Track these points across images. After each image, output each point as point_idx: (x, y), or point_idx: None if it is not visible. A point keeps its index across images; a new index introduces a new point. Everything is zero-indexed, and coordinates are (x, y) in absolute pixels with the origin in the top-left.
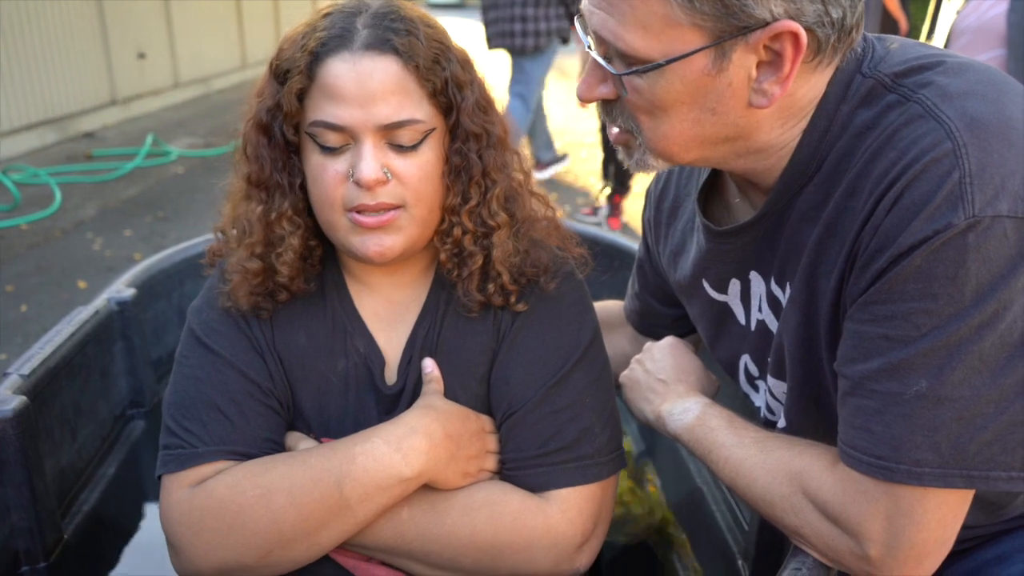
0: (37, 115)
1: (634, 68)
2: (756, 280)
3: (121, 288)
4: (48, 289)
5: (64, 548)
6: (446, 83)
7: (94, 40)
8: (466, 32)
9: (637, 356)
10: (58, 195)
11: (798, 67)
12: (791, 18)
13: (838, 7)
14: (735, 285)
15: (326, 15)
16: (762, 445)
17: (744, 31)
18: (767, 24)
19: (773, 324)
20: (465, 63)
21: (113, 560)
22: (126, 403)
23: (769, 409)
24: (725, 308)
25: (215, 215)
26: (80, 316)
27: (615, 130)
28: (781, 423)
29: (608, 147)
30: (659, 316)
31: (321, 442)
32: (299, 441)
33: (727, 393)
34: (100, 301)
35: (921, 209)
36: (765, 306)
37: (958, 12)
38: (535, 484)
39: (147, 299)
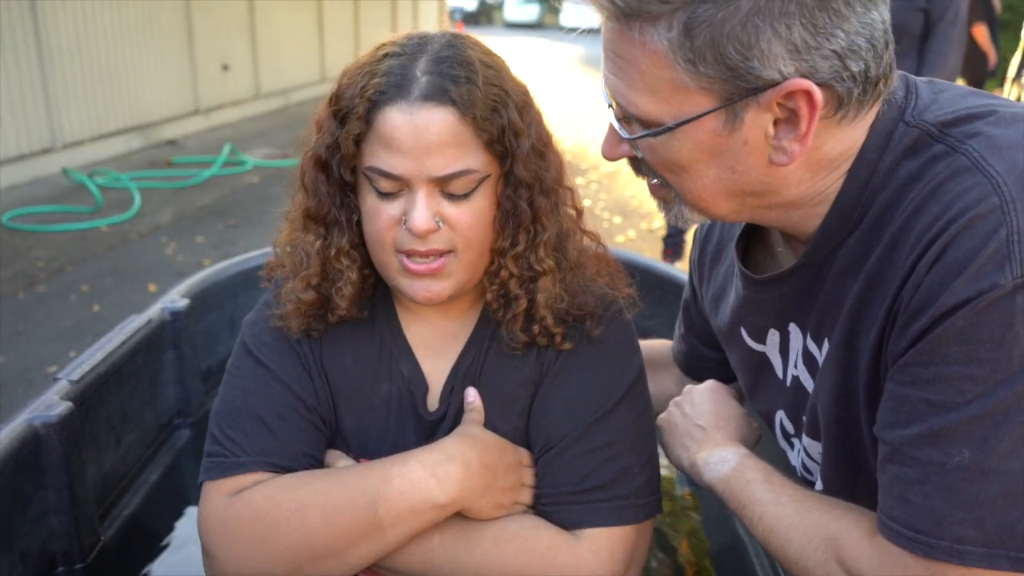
0: (124, 122)
1: (644, 132)
2: (795, 333)
3: (176, 298)
4: (120, 290)
5: (101, 551)
6: (503, 131)
7: (181, 51)
8: (541, 53)
9: (676, 399)
10: (137, 199)
11: (816, 124)
12: (803, 76)
13: (858, 60)
14: (774, 336)
15: (386, 55)
16: (799, 505)
17: (754, 91)
18: (777, 83)
19: (808, 382)
20: (524, 107)
21: (148, 565)
22: (173, 412)
23: (806, 468)
24: (763, 359)
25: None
26: (133, 324)
27: (651, 184)
28: (819, 485)
29: None
30: (704, 359)
31: (359, 462)
32: (338, 459)
33: (768, 443)
34: (154, 310)
35: (965, 267)
36: (800, 363)
37: None
38: (568, 521)
39: (200, 310)
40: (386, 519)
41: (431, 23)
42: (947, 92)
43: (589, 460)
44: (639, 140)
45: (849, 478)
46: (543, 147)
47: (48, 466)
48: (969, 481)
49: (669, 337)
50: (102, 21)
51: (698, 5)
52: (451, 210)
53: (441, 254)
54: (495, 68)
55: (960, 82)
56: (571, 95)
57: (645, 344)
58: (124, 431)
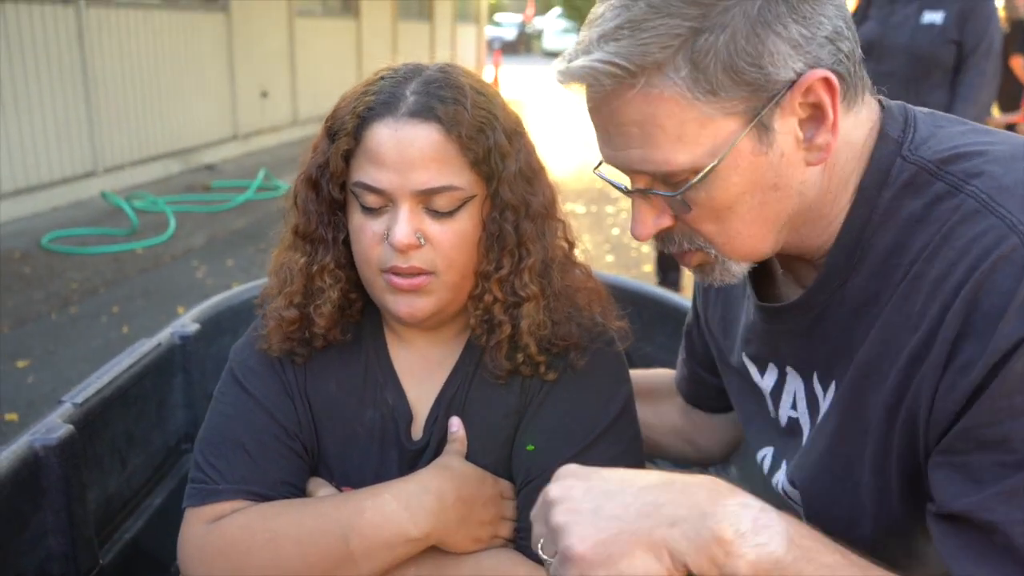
0: (164, 146)
1: (689, 183)
2: (792, 376)
3: (187, 322)
4: (150, 312)
5: (99, 574)
6: (489, 152)
7: (221, 78)
8: None
9: (556, 491)
10: (172, 223)
11: (839, 108)
12: (812, 67)
13: (845, 41)
14: (771, 374)
15: (381, 78)
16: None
17: (775, 97)
18: (794, 82)
19: (807, 425)
20: (513, 133)
21: None
22: (181, 435)
23: (789, 505)
24: (759, 393)
25: None
26: (142, 348)
27: (684, 252)
28: None
29: None
30: (706, 386)
31: (342, 491)
32: (319, 487)
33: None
34: (164, 334)
35: (1005, 310)
36: (802, 404)
37: None
38: None
39: (211, 334)
40: (358, 551)
41: (469, 51)
42: (946, 127)
43: None
44: (686, 193)
45: (843, 535)
46: (531, 174)
47: (47, 488)
48: None
49: (667, 363)
50: (145, 49)
51: (696, 38)
52: (434, 228)
53: (421, 273)
54: (485, 95)
55: (995, 112)
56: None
57: (647, 373)
58: (130, 454)
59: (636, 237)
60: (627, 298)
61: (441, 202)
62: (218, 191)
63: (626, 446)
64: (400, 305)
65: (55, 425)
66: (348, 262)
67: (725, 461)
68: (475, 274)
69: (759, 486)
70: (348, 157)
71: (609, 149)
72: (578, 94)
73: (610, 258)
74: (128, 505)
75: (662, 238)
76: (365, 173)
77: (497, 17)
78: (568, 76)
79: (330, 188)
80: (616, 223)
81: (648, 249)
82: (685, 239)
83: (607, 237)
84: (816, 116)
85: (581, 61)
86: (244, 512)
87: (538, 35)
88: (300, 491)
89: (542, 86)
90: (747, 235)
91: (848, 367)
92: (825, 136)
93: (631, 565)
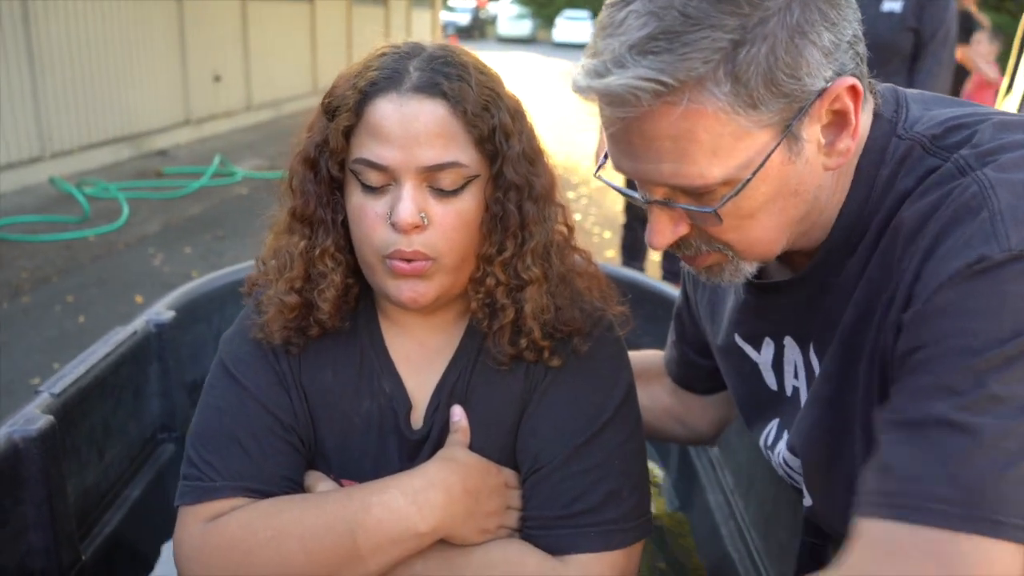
0: (115, 131)
1: (724, 197)
2: (791, 346)
3: (161, 310)
4: (106, 301)
5: (81, 570)
6: (493, 130)
7: (173, 62)
8: (534, 68)
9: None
10: (126, 210)
11: (861, 113)
12: (840, 75)
13: (860, 43)
14: (768, 347)
15: (381, 55)
16: None
17: (806, 106)
18: (824, 91)
19: (804, 393)
20: (516, 113)
21: None
22: (157, 426)
23: (790, 477)
24: (755, 369)
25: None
26: (117, 337)
27: (697, 255)
28: (807, 500)
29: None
30: (696, 368)
31: (340, 483)
32: (318, 481)
33: (743, 439)
34: (139, 322)
35: (950, 251)
36: (802, 374)
37: None
38: (555, 546)
39: (187, 322)
40: (365, 549)
41: (424, 36)
42: (939, 108)
43: (577, 483)
44: (724, 207)
45: (843, 498)
46: (534, 155)
47: (27, 480)
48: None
49: (646, 347)
50: (94, 31)
51: (737, 51)
52: (437, 208)
53: (424, 258)
54: (487, 75)
55: None
56: (563, 110)
57: (636, 354)
58: (107, 445)
59: (653, 247)
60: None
61: (446, 180)
62: (171, 177)
63: (631, 431)
64: (403, 291)
65: (34, 416)
66: (347, 245)
67: (714, 441)
68: (476, 257)
69: (743, 467)
70: (349, 134)
71: (632, 162)
72: (593, 103)
73: None
74: (107, 497)
75: (677, 244)
76: (367, 149)
77: (451, 2)
78: (605, 94)
79: (329, 167)
80: (577, 208)
81: (610, 235)
82: (703, 243)
83: None
84: (838, 122)
85: (618, 78)
86: (245, 510)
87: (492, 20)
88: (299, 486)
89: (499, 72)
90: (765, 239)
91: (834, 336)
92: (847, 141)
93: None
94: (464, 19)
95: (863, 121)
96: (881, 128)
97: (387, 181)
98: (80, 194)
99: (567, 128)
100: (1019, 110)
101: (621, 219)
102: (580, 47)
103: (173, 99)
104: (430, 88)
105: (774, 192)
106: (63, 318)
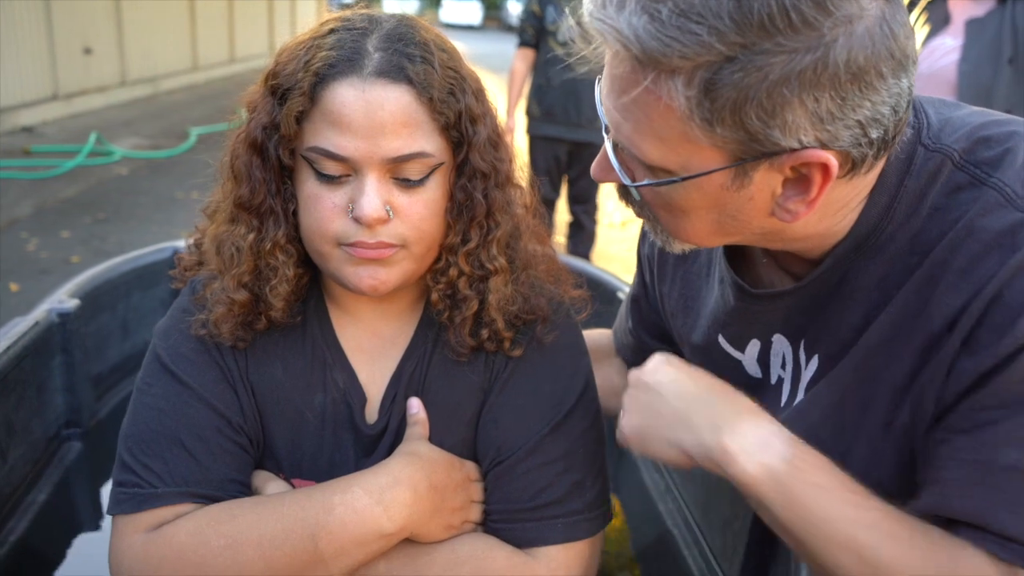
0: None
1: (648, 182)
2: (780, 341)
3: (63, 298)
4: None
5: None
6: (459, 116)
7: (38, 32)
8: (483, 54)
9: (639, 378)
10: None
11: (826, 191)
12: (823, 145)
13: (878, 127)
14: (754, 346)
15: (332, 31)
16: (912, 531)
17: (768, 155)
18: (794, 151)
19: (786, 388)
20: (479, 93)
21: None
22: (62, 422)
23: None
24: (738, 365)
25: (159, 220)
26: (18, 327)
27: (633, 210)
28: None
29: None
30: (652, 353)
31: (292, 483)
32: (267, 482)
33: None
34: (40, 312)
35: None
36: (789, 366)
37: None
38: (522, 539)
39: (90, 310)
40: (328, 552)
41: (309, 10)
42: (952, 111)
43: (543, 474)
44: (642, 187)
45: None
46: (498, 138)
47: None
48: (1015, 482)
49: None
50: None
51: (723, 66)
52: (402, 199)
53: (390, 247)
54: (449, 52)
55: None
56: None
57: (585, 333)
58: (10, 445)
59: (593, 177)
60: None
61: (412, 170)
62: (41, 156)
63: (592, 419)
64: (362, 277)
65: None
66: (298, 234)
67: None
68: (440, 246)
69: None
70: (301, 119)
71: (607, 95)
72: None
73: None
74: (10, 502)
75: (620, 192)
76: (325, 138)
77: None
78: (593, 22)
79: (279, 153)
80: None
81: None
82: (635, 205)
83: None
84: (802, 183)
85: (606, 18)
86: (193, 516)
87: (379, 4)
88: (248, 489)
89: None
90: (695, 235)
91: (835, 344)
92: (798, 205)
93: (655, 451)
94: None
95: (858, 182)
96: (905, 136)
97: (347, 171)
98: None
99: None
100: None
101: None
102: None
103: (39, 72)
104: (395, 72)
105: (708, 204)
106: None
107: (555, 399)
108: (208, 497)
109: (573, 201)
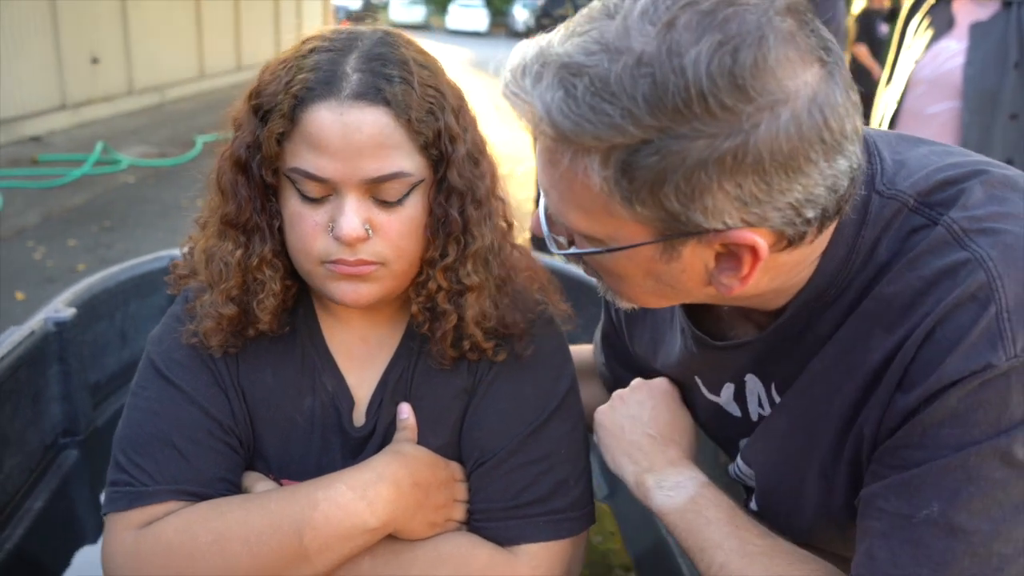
0: None
1: (576, 250)
2: (752, 381)
3: (60, 307)
4: None
5: None
6: (438, 135)
7: (45, 41)
8: (488, 61)
9: (620, 392)
10: None
11: (759, 268)
12: (750, 225)
13: (813, 207)
14: (728, 389)
15: (312, 50)
16: (769, 559)
17: (693, 234)
18: (719, 231)
19: None
20: (460, 109)
21: None
22: (59, 431)
23: (740, 481)
24: (717, 408)
25: (165, 228)
26: (13, 337)
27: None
28: (753, 504)
29: None
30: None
31: (280, 483)
32: (256, 482)
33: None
34: (36, 321)
35: (955, 346)
36: (767, 405)
37: (916, 61)
38: (504, 537)
39: (88, 319)
40: (312, 547)
41: (315, 20)
42: (910, 151)
43: (525, 473)
44: (576, 254)
45: (787, 521)
46: (478, 154)
47: None
48: (936, 537)
49: (587, 341)
50: None
51: (639, 148)
52: (381, 217)
53: (370, 264)
54: (430, 69)
55: None
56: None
57: (574, 349)
58: (6, 455)
59: (532, 232)
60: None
61: (390, 191)
62: (48, 165)
63: (575, 421)
64: (345, 291)
65: None
66: (284, 249)
67: None
68: (420, 260)
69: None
70: (282, 140)
71: (536, 157)
72: None
73: None
74: (7, 511)
75: (561, 253)
76: (304, 160)
77: None
78: (506, 96)
79: (262, 172)
80: None
81: (515, 224)
82: (581, 262)
83: None
84: (732, 261)
85: (522, 90)
86: (182, 513)
87: (384, 6)
88: (237, 488)
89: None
90: (636, 296)
91: (798, 376)
92: (733, 282)
93: (612, 465)
94: (355, 3)
95: (783, 258)
96: (857, 183)
97: (327, 192)
98: None
99: None
100: (898, 102)
101: (526, 207)
102: (473, 35)
103: (47, 82)
104: (372, 95)
105: (643, 273)
106: None
107: (537, 402)
108: (198, 495)
109: None
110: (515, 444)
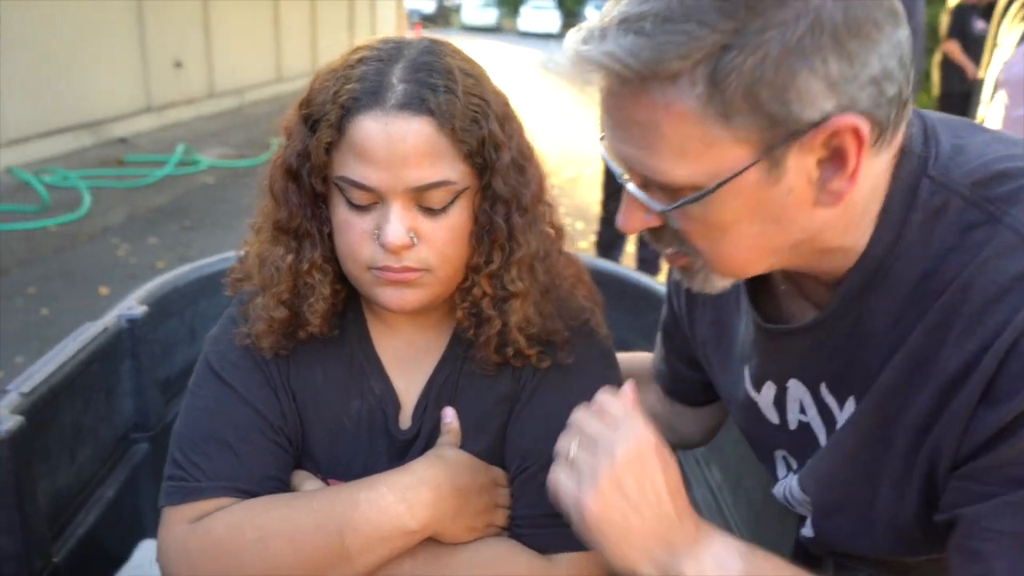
0: (73, 118)
1: (679, 201)
2: (796, 387)
3: (133, 304)
4: (70, 294)
5: (53, 572)
6: (482, 143)
7: (132, 47)
8: (500, 57)
9: (604, 475)
10: (87, 199)
11: (864, 159)
12: (845, 111)
13: (892, 83)
14: (769, 389)
15: (360, 60)
16: None
17: (795, 135)
18: (819, 123)
19: (820, 430)
20: (505, 117)
21: None
22: (130, 425)
23: (788, 502)
24: (755, 407)
25: (240, 228)
26: (88, 333)
27: (668, 251)
28: (808, 531)
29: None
30: (689, 382)
31: (328, 483)
32: (304, 481)
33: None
34: (110, 318)
35: None
36: (812, 410)
37: (1005, 63)
38: (544, 545)
39: (159, 317)
40: (353, 547)
41: (389, 24)
42: (967, 137)
43: None
44: (678, 209)
45: (853, 541)
46: (524, 161)
47: None
48: None
49: (646, 348)
50: (50, 14)
51: (721, 56)
52: (426, 225)
53: (415, 271)
54: (475, 77)
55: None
56: (531, 100)
57: (625, 357)
58: (78, 446)
59: (622, 230)
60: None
61: (434, 198)
62: (133, 165)
63: None
64: (390, 296)
65: (3, 417)
66: (334, 254)
67: (703, 445)
68: (465, 266)
69: (731, 463)
70: (330, 149)
71: (608, 135)
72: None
73: None
74: (78, 499)
75: (654, 238)
76: (351, 169)
77: None
78: (577, 63)
79: (312, 180)
80: None
81: (583, 226)
82: (674, 243)
83: None
84: (836, 160)
85: (593, 48)
86: (231, 509)
87: (457, 8)
88: (286, 486)
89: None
90: (739, 257)
91: (866, 384)
92: (841, 184)
93: (623, 564)
94: (429, 6)
95: (881, 160)
96: (910, 166)
97: (373, 200)
98: (39, 183)
99: (536, 119)
100: (988, 104)
101: (593, 209)
102: (545, 36)
103: (133, 85)
104: (416, 105)
105: (749, 212)
106: (25, 311)
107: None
108: (247, 492)
109: None
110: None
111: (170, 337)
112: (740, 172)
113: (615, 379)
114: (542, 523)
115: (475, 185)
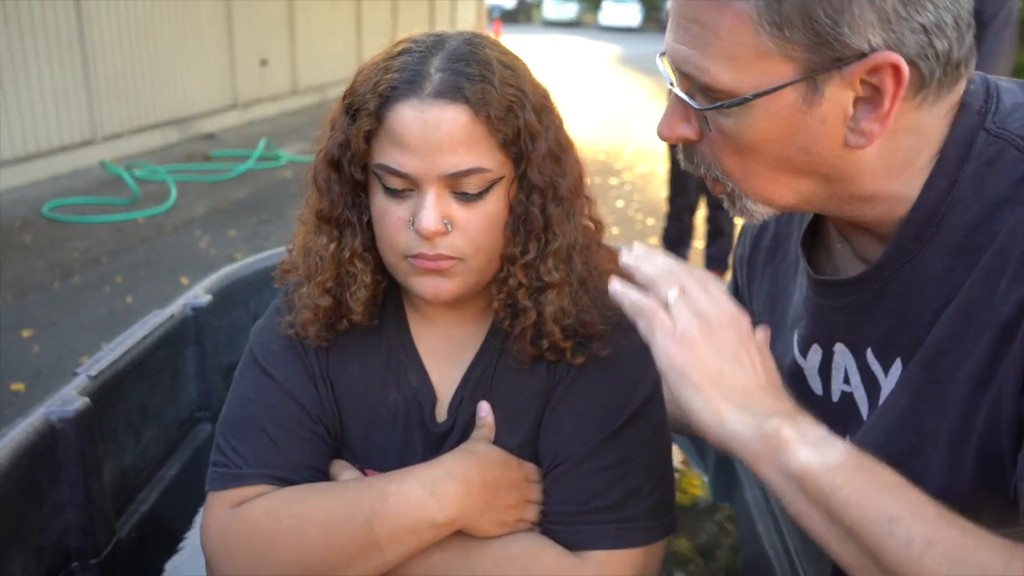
0: (163, 115)
1: (719, 103)
2: (842, 352)
3: (199, 293)
4: (153, 283)
5: (116, 547)
6: (518, 132)
7: (220, 46)
8: (579, 51)
9: (691, 332)
10: (173, 192)
11: (898, 103)
12: (891, 49)
13: (943, 38)
14: (815, 353)
15: (401, 52)
16: (988, 541)
17: (839, 63)
18: (864, 56)
19: (863, 402)
20: (542, 109)
21: (163, 560)
22: (194, 407)
23: None
24: (800, 374)
25: None
26: (155, 320)
27: (707, 177)
28: None
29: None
30: None
31: (366, 473)
32: (343, 470)
33: None
34: (176, 306)
35: None
36: (856, 378)
37: None
38: (573, 542)
39: (224, 305)
40: (383, 537)
41: (469, 20)
42: None
43: (597, 479)
44: (711, 111)
45: None
46: (560, 152)
47: (64, 461)
48: None
49: None
50: (143, 16)
51: None
52: (461, 213)
53: (448, 259)
54: (513, 68)
55: None
56: (608, 94)
57: None
58: (143, 427)
59: (659, 134)
60: None
61: (469, 185)
62: (218, 160)
63: (655, 429)
64: (425, 286)
65: (71, 398)
66: (374, 243)
67: None
68: (501, 257)
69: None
70: (369, 137)
71: (670, 36)
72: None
73: (615, 231)
74: (142, 477)
75: (687, 156)
76: (388, 156)
77: None
78: None
79: (352, 169)
80: (620, 194)
81: (653, 222)
82: (705, 163)
83: (611, 209)
84: (872, 100)
85: None
86: (268, 497)
87: (538, 4)
88: (324, 475)
89: (543, 56)
90: (767, 180)
91: (915, 345)
92: (872, 124)
93: (681, 399)
94: (510, 2)
95: (928, 114)
96: (968, 120)
97: (409, 186)
98: (130, 177)
99: (612, 113)
100: None
101: (664, 207)
102: (626, 31)
103: (221, 83)
104: (451, 92)
105: (779, 134)
106: (112, 299)
107: (615, 406)
108: (285, 480)
109: (714, 206)
110: (589, 449)
111: (234, 325)
112: (781, 87)
113: (652, 377)
114: (572, 520)
115: (511, 175)
